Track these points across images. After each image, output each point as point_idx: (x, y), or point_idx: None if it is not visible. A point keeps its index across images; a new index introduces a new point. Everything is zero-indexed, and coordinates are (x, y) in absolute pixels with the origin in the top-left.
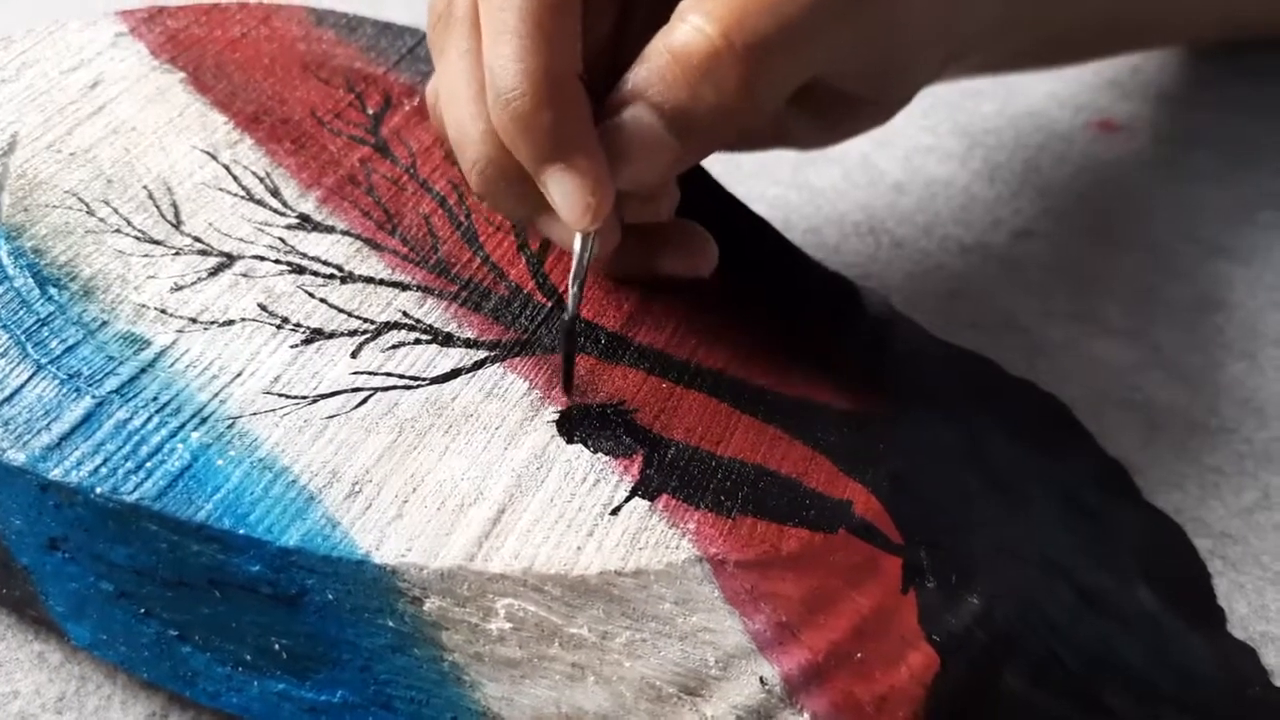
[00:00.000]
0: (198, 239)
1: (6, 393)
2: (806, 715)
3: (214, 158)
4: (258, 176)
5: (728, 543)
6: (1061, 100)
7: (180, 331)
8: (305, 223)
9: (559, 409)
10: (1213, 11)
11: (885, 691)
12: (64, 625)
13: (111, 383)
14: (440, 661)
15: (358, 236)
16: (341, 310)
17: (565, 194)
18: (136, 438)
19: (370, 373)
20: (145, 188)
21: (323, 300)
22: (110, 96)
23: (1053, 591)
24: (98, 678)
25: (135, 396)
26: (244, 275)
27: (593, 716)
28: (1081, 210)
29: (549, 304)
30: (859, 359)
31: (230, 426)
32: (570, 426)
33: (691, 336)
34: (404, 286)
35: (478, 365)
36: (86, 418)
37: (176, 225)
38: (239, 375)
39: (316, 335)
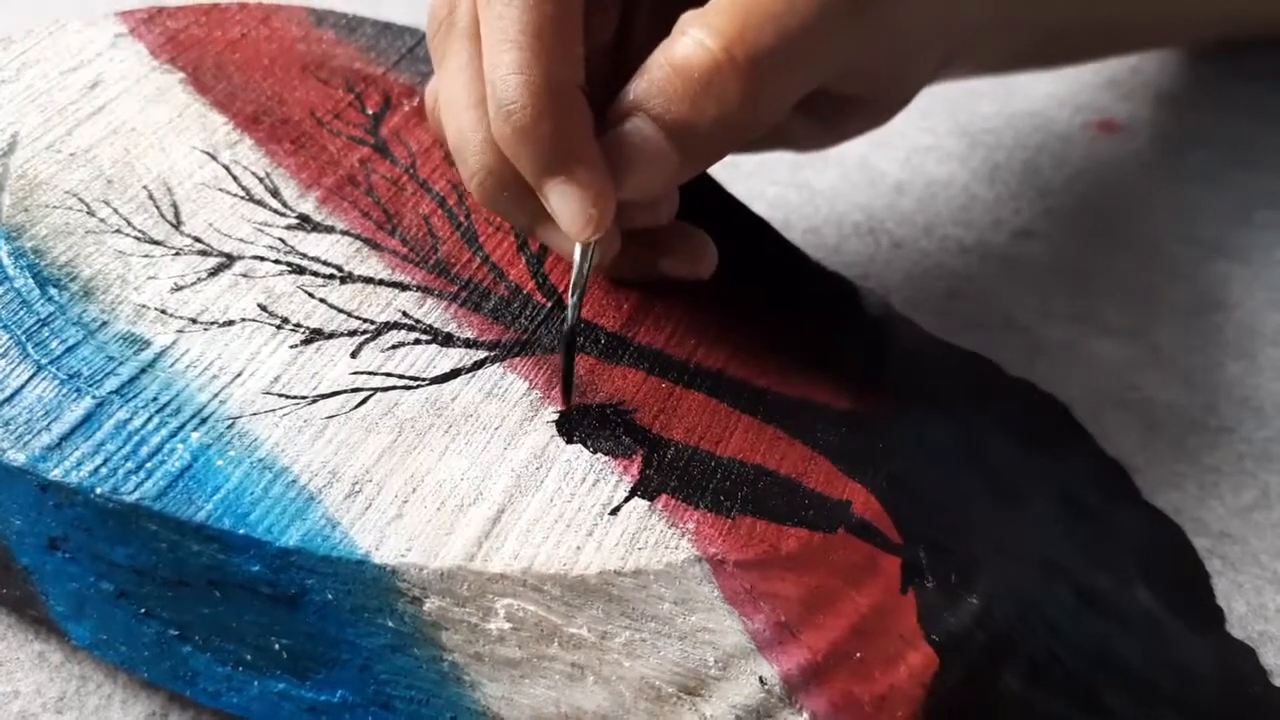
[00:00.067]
0: (198, 239)
1: (7, 393)
2: (806, 715)
3: (214, 158)
4: (257, 177)
5: (727, 542)
6: (1061, 100)
7: (180, 332)
8: (305, 223)
9: (559, 409)
10: (1212, 11)
11: (885, 691)
12: (64, 625)
13: (111, 383)
14: (440, 661)
15: (357, 237)
16: (341, 310)
17: (566, 206)
18: (137, 438)
19: (370, 373)
20: (145, 188)
21: (322, 300)
22: (110, 97)
23: (1052, 591)
24: (98, 677)
25: (135, 397)
26: (244, 275)
27: (592, 716)
28: (1081, 210)
29: (549, 304)
30: (858, 359)
31: (230, 427)
32: (570, 426)
33: (691, 336)
34: (404, 287)
35: (477, 365)
36: (87, 418)
37: (176, 226)
38: (239, 375)
39: (316, 335)
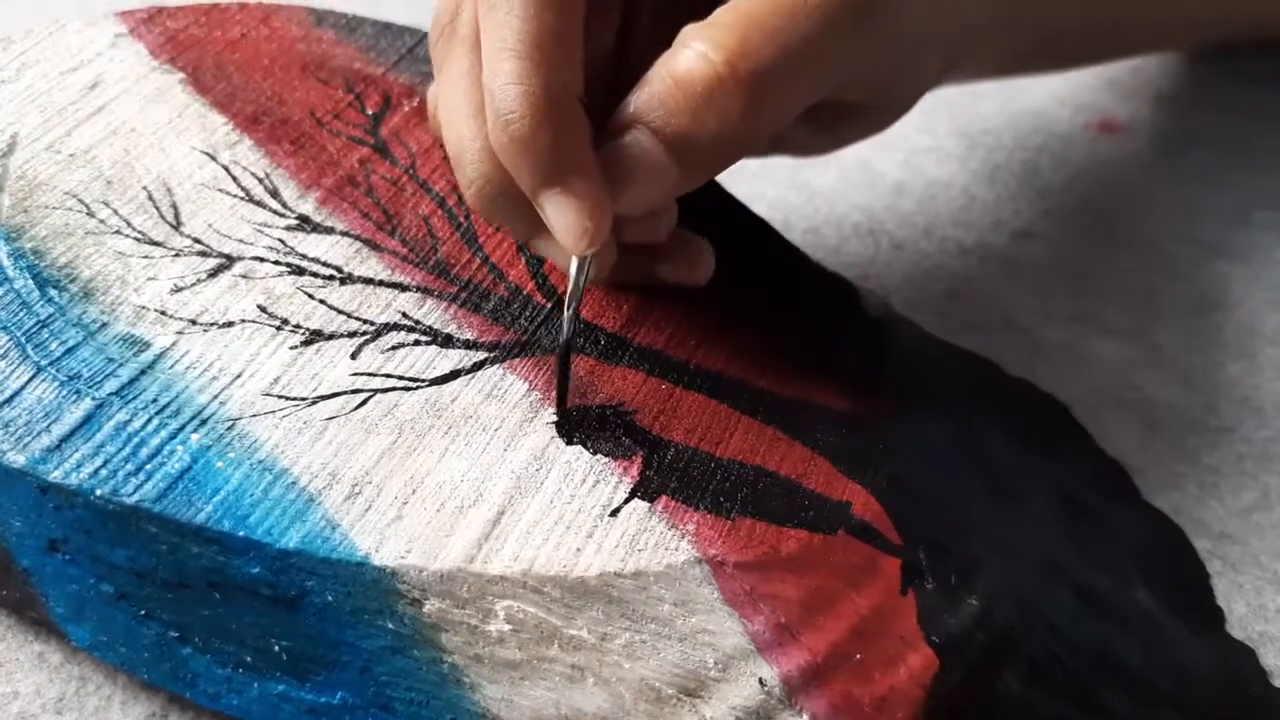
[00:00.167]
0: (197, 240)
1: (6, 395)
2: (806, 716)
3: (213, 159)
4: (257, 177)
5: (727, 544)
6: (1061, 100)
7: (180, 333)
8: (305, 224)
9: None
10: (1212, 11)
11: (884, 693)
12: (64, 627)
13: (111, 384)
14: (440, 663)
15: (357, 237)
16: (341, 311)
17: (562, 217)
18: (136, 439)
19: (370, 374)
20: (145, 189)
21: (322, 301)
22: (110, 97)
23: (1052, 592)
24: (98, 678)
25: (135, 398)
26: (244, 276)
27: (592, 718)
28: (1081, 211)
29: (549, 305)
30: (858, 360)
31: (230, 428)
32: (570, 428)
33: (691, 337)
34: (403, 287)
35: (477, 366)
36: (86, 419)
37: (176, 226)
38: (239, 377)
39: (316, 336)
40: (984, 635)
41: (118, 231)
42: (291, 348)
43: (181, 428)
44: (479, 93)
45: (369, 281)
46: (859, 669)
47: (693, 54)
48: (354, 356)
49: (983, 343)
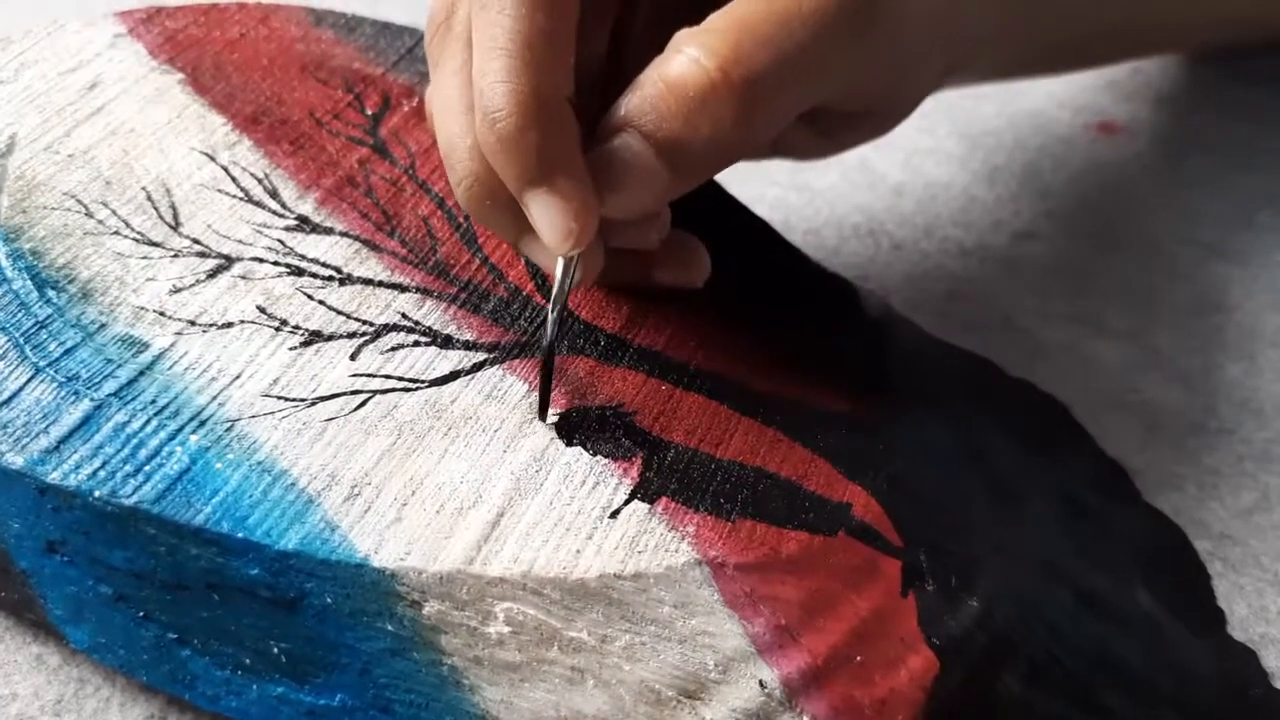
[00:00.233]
0: (196, 241)
1: (5, 395)
2: (806, 719)
3: (212, 159)
4: (256, 178)
5: (727, 545)
6: (1061, 101)
7: (179, 334)
8: (304, 224)
9: (558, 411)
10: (1212, 14)
11: (885, 695)
12: (63, 628)
13: (110, 385)
14: (439, 665)
15: (356, 238)
16: (340, 312)
17: (547, 217)
18: (135, 441)
19: (369, 375)
20: (144, 189)
21: (321, 302)
22: (109, 98)
23: (1052, 593)
24: (96, 680)
25: (134, 399)
26: (243, 277)
27: None
28: (1081, 212)
29: (548, 306)
30: (858, 361)
31: (229, 429)
32: (569, 429)
33: (691, 338)
34: (403, 288)
35: (477, 367)
36: (85, 421)
37: (175, 227)
38: (238, 378)
39: (315, 337)
40: (984, 637)
41: (116, 232)
42: (290, 349)
43: (180, 429)
44: (471, 91)
45: (368, 282)
46: (859, 671)
47: (686, 59)
48: (353, 357)
49: (982, 343)
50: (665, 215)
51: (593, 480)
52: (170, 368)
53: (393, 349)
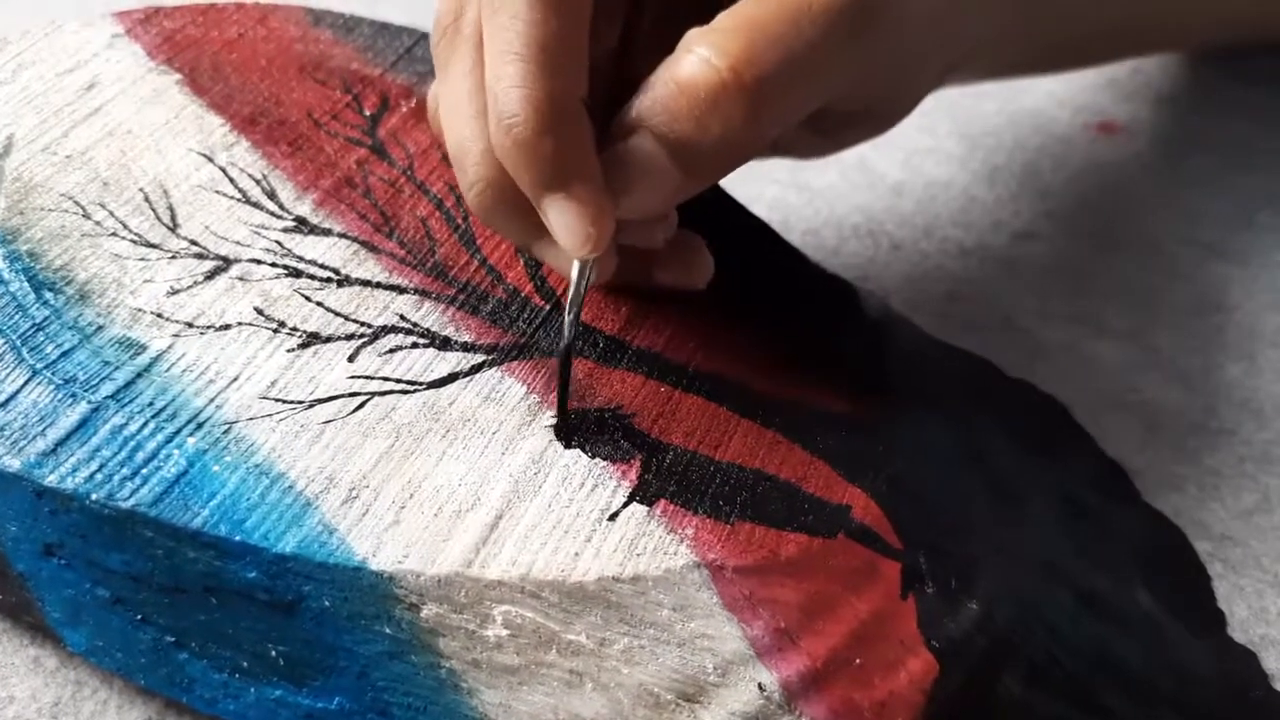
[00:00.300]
0: (194, 242)
1: (2, 398)
2: None
3: (210, 160)
4: (254, 179)
5: (726, 548)
6: (1061, 101)
7: (176, 336)
8: (302, 225)
9: (555, 414)
10: (1211, 14)
11: (884, 697)
12: (60, 631)
13: (107, 388)
14: (437, 668)
15: (355, 239)
16: (338, 314)
17: (565, 223)
18: (132, 443)
19: (367, 377)
20: (141, 190)
21: (319, 304)
22: (106, 98)
23: (1052, 594)
24: (94, 683)
25: (131, 402)
26: (240, 279)
27: None
28: (1081, 212)
29: (547, 307)
30: (858, 361)
31: (226, 432)
32: (568, 431)
33: (690, 340)
34: (401, 290)
35: (475, 369)
36: (82, 423)
37: (173, 228)
38: (235, 380)
39: (313, 339)
40: (984, 639)
41: (114, 234)
42: (288, 350)
43: (178, 431)
44: (482, 95)
45: (366, 284)
46: (859, 674)
47: (697, 59)
48: (351, 359)
49: (982, 344)
50: (672, 215)
51: (591, 482)
52: (168, 370)
53: (391, 351)
